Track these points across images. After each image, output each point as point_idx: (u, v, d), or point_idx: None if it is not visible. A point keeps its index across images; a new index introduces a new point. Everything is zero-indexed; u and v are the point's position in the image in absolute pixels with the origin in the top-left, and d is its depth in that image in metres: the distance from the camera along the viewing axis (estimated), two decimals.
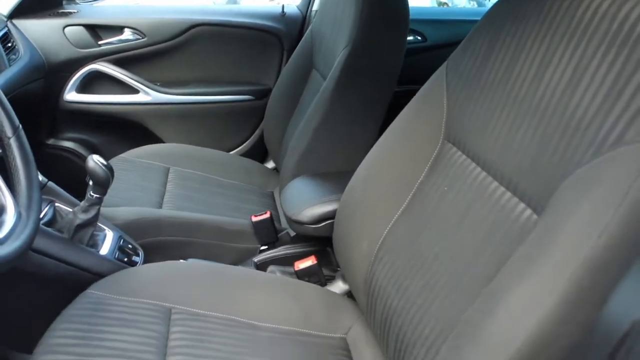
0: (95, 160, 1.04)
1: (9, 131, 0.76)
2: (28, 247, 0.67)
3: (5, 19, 1.62)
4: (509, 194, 0.68)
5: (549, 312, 0.49)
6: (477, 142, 0.77)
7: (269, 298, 1.00)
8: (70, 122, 1.82)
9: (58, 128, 1.82)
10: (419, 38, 1.98)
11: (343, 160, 1.04)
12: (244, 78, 1.91)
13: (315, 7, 1.91)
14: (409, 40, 1.94)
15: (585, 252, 0.48)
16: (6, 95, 1.48)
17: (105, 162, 1.06)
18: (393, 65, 1.26)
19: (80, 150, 1.84)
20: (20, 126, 0.79)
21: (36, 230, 0.70)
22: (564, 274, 0.49)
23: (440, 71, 0.91)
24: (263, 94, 1.88)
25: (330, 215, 1.08)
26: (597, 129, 0.54)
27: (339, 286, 1.12)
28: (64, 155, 1.83)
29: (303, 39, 1.65)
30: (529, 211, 0.63)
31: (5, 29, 1.57)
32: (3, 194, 0.69)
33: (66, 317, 0.85)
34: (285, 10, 1.90)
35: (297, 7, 1.96)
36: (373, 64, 1.24)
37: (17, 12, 1.66)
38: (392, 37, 1.24)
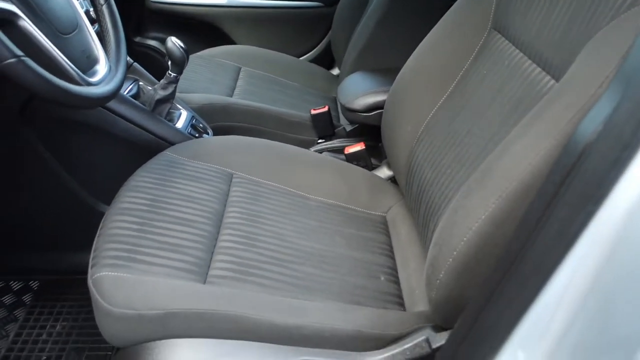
0: (173, 42, 1.16)
1: None
2: (116, 92, 0.81)
3: None
4: (538, 69, 0.73)
5: (545, 153, 0.55)
6: (519, 25, 0.81)
7: (319, 175, 1.11)
8: (154, 22, 1.96)
9: (143, 27, 1.97)
10: None
11: (400, 57, 1.09)
12: None
13: None
14: None
15: (585, 100, 0.53)
16: None
17: (182, 44, 1.18)
18: None
19: (162, 48, 1.99)
20: None
21: (122, 81, 0.84)
22: (563, 119, 0.54)
23: None
24: (333, 1, 1.92)
25: (381, 105, 1.15)
26: None
27: (383, 172, 1.21)
28: (148, 53, 1.99)
29: None
30: (552, 81, 0.68)
31: None
32: (97, 49, 0.83)
33: (146, 168, 1.00)
34: None
35: None
36: None
37: None
38: None
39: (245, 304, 0.74)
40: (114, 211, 0.88)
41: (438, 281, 0.66)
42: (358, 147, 1.19)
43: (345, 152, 1.19)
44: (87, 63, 0.79)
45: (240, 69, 1.70)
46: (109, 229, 0.84)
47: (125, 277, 0.76)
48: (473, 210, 0.61)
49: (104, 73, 0.80)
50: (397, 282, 0.92)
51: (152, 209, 0.89)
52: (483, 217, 0.60)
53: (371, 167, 1.22)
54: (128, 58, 1.29)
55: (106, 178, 1.16)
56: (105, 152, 1.16)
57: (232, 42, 1.98)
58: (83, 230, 1.10)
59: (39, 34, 0.68)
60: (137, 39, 1.97)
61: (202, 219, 0.91)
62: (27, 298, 1.24)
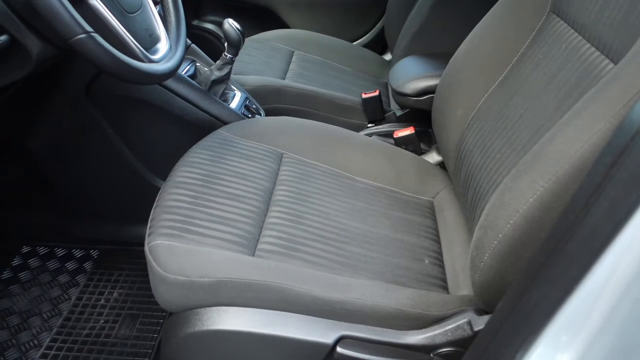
0: (230, 23, 1.19)
1: None
2: (176, 70, 0.84)
3: None
4: (597, 52, 0.71)
5: (599, 136, 0.54)
6: (578, 8, 0.78)
7: (368, 157, 1.12)
8: (211, 6, 2.01)
9: (201, 11, 2.03)
10: None
11: (454, 41, 1.08)
12: None
13: None
14: None
15: None
16: None
17: (239, 26, 1.21)
18: None
19: (219, 32, 2.04)
20: None
21: (182, 59, 0.87)
22: (620, 102, 0.53)
23: None
24: None
25: (432, 89, 1.15)
26: None
27: (432, 157, 1.20)
28: (205, 36, 2.04)
29: None
30: (611, 65, 0.66)
31: None
32: (159, 29, 0.87)
33: (200, 145, 1.04)
34: None
35: None
36: None
37: None
38: None
39: (291, 277, 0.76)
40: (170, 184, 0.93)
41: (482, 263, 0.66)
42: (407, 131, 1.19)
43: (395, 135, 1.19)
44: (149, 41, 0.83)
45: (293, 52, 1.72)
46: (165, 201, 0.89)
47: (179, 246, 0.80)
48: (521, 193, 0.61)
49: (164, 51, 0.84)
50: (441, 265, 0.92)
51: (205, 184, 0.93)
52: (531, 200, 0.59)
53: (420, 152, 1.22)
54: (187, 40, 1.34)
55: (163, 154, 1.21)
56: (162, 129, 1.22)
57: (286, 26, 2.00)
58: (141, 203, 1.15)
59: (106, 11, 0.72)
60: (195, 22, 2.02)
61: (252, 195, 0.94)
62: (87, 265, 1.32)
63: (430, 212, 1.06)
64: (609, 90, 0.56)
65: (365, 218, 0.97)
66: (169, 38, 0.87)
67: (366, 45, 1.99)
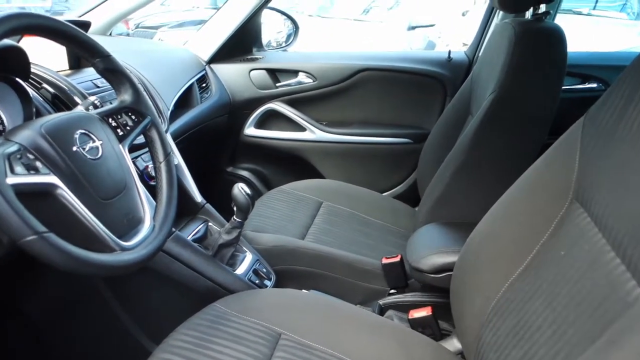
0: (239, 188, 1.16)
1: (161, 157, 0.91)
2: (152, 256, 0.79)
3: (205, 64, 1.92)
4: (623, 267, 0.58)
5: None
6: (601, 204, 0.68)
7: (377, 342, 0.99)
8: (247, 154, 2.05)
9: (237, 158, 2.07)
10: (602, 86, 1.79)
11: (478, 210, 0.99)
12: (405, 121, 1.94)
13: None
14: (590, 88, 1.77)
15: None
16: (195, 127, 1.73)
17: (248, 191, 1.17)
18: (543, 116, 1.16)
19: (252, 179, 2.05)
20: (171, 153, 0.93)
21: (163, 243, 0.82)
22: None
23: (578, 123, 0.83)
24: (421, 138, 1.88)
25: (451, 267, 1.03)
26: None
27: (453, 344, 1.05)
28: (238, 182, 2.06)
29: (464, 84, 1.62)
30: (638, 290, 0.54)
31: (203, 72, 1.86)
32: (144, 210, 0.83)
33: (189, 324, 0.96)
34: (451, 55, 1.89)
35: (465, 52, 1.94)
36: (519, 114, 1.17)
37: (215, 58, 1.95)
38: (543, 87, 1.16)
39: None
40: None
41: None
42: (424, 312, 1.05)
43: (410, 316, 1.06)
44: (127, 226, 0.79)
45: (321, 204, 1.67)
46: None
47: None
48: None
49: (143, 235, 0.79)
50: None
51: None
52: None
53: (439, 336, 1.07)
54: (200, 199, 1.32)
55: (162, 321, 1.13)
56: (162, 295, 1.15)
57: (319, 175, 1.99)
58: None
59: (76, 202, 0.69)
60: (229, 169, 2.05)
61: None
62: None
63: None
64: (632, 342, 0.44)
65: None
66: (153, 219, 0.83)
67: (399, 196, 1.93)
